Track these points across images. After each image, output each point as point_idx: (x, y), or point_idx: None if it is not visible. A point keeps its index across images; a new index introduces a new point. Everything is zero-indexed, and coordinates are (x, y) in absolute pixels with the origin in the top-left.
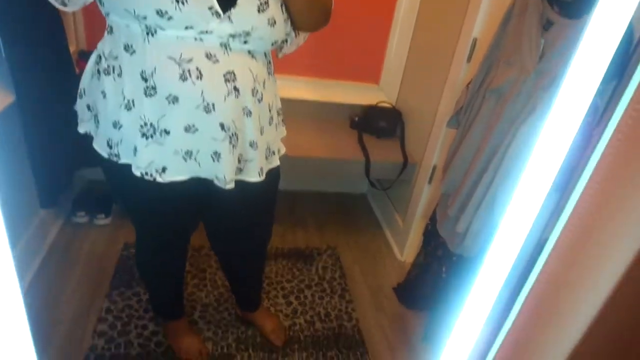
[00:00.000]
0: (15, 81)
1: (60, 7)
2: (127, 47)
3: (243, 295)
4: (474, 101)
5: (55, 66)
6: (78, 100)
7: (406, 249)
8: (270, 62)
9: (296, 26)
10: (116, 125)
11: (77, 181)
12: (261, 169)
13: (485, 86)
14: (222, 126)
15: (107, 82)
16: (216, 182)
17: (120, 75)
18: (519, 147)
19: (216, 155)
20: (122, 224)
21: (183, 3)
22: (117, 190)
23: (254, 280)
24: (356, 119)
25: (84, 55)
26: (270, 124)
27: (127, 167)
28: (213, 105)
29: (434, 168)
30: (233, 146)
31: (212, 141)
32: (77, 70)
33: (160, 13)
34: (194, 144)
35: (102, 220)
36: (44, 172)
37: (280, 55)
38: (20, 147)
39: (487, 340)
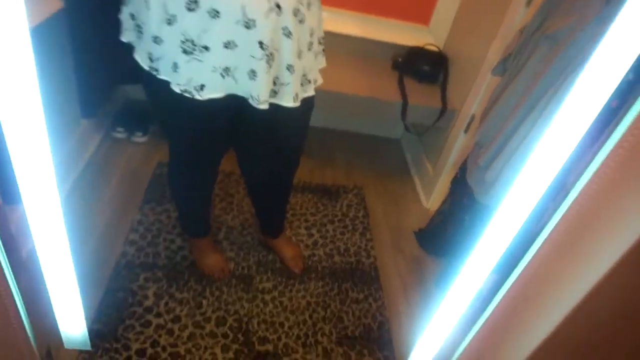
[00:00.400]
0: None
1: None
2: None
3: (267, 220)
4: (525, 47)
5: None
6: (122, 8)
7: (432, 197)
8: None
9: None
10: (157, 40)
11: (119, 98)
12: (296, 95)
13: (541, 32)
14: (260, 44)
15: None
16: (250, 101)
17: None
18: (563, 98)
19: (252, 74)
20: (157, 143)
21: None
22: (154, 103)
23: (278, 207)
24: (399, 60)
25: None
26: (309, 49)
27: (166, 83)
28: (254, 21)
29: (473, 117)
30: (269, 66)
31: (250, 59)
32: None
33: None
34: (233, 60)
35: (139, 138)
36: (87, 82)
37: None
38: (66, 55)
39: (490, 290)
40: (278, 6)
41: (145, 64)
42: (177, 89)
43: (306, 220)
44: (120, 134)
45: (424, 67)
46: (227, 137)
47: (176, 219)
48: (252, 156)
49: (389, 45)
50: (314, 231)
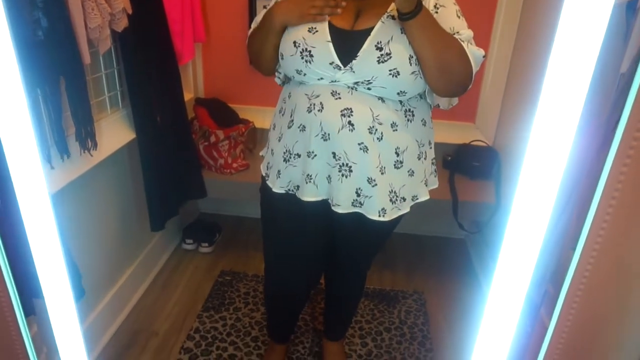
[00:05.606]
0: (136, 123)
1: (269, 76)
2: (290, 94)
3: (333, 321)
4: None
5: (170, 111)
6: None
7: None
8: (409, 110)
9: (431, 89)
10: (272, 152)
11: (193, 212)
12: (383, 209)
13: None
14: (334, 154)
15: (277, 118)
16: (330, 201)
17: (283, 114)
18: None
19: (329, 179)
20: (222, 253)
21: (310, 62)
22: (261, 204)
23: (350, 307)
24: (449, 158)
25: (200, 102)
26: (396, 167)
27: (271, 189)
28: (329, 135)
29: None
30: (343, 175)
31: (327, 166)
32: (193, 114)
33: (298, 71)
34: (314, 168)
35: (205, 249)
36: (156, 200)
37: (442, 107)
38: (139, 176)
39: None
40: (350, 124)
41: (263, 171)
42: (281, 191)
43: (361, 328)
44: (189, 245)
45: (474, 163)
46: (322, 246)
47: (231, 327)
48: (339, 253)
49: (437, 145)
50: (368, 340)
